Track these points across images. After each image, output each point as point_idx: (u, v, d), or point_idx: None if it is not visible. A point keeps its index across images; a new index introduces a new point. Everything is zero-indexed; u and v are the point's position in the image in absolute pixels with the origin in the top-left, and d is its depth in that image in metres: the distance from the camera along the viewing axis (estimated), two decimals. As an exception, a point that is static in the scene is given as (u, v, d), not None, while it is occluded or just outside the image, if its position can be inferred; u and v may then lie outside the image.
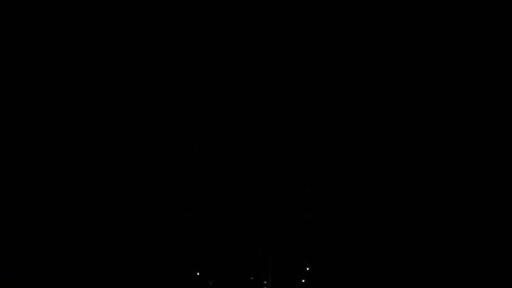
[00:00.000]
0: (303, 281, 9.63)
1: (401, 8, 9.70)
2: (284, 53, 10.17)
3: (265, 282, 9.62)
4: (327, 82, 10.08)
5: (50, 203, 9.38)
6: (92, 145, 9.65)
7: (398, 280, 9.30)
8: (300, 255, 9.76)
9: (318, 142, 9.97)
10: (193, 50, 10.09)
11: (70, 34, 9.74)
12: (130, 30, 9.88)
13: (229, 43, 10.14)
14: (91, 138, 9.67)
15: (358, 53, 9.99)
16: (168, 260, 9.54)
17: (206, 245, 9.70)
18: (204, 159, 9.98)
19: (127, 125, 9.82)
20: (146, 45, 9.97)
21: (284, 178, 10.02)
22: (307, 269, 9.63)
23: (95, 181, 9.58)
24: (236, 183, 9.95)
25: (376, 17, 9.86)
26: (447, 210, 9.41)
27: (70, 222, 9.41)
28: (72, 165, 9.60)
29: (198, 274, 9.59)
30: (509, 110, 9.36)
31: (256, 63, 10.15)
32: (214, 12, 10.04)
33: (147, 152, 9.84)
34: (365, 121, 9.88)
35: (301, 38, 10.12)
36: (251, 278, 9.62)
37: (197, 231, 9.73)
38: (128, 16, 9.85)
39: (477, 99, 9.50)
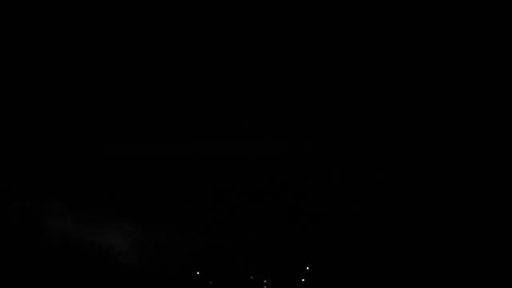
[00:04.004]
0: (303, 280, 9.63)
1: (400, 9, 9.74)
2: (284, 54, 10.20)
3: (265, 281, 9.62)
4: (326, 82, 10.11)
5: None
6: (91, 145, 9.68)
7: (399, 280, 9.30)
8: (300, 255, 9.77)
9: (318, 142, 9.99)
10: (193, 50, 10.12)
11: (71, 34, 9.79)
12: (131, 32, 9.92)
13: (230, 43, 10.17)
14: (91, 138, 9.69)
15: (357, 53, 10.02)
16: (168, 260, 9.55)
17: (206, 245, 9.71)
18: (204, 159, 10.01)
19: (127, 125, 9.84)
20: (147, 46, 10.01)
21: (283, 177, 10.03)
22: (307, 268, 9.64)
23: (94, 180, 9.60)
24: (236, 183, 9.97)
25: (375, 17, 9.90)
26: (447, 210, 9.42)
27: (70, 223, 9.43)
28: (72, 165, 9.62)
29: (198, 274, 9.60)
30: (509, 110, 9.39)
31: (256, 63, 10.18)
32: (215, 13, 10.08)
33: (147, 152, 9.86)
34: (365, 120, 9.90)
35: (301, 38, 10.15)
36: (251, 278, 9.63)
37: (197, 230, 9.75)
38: (129, 17, 9.89)
39: (477, 98, 9.53)
